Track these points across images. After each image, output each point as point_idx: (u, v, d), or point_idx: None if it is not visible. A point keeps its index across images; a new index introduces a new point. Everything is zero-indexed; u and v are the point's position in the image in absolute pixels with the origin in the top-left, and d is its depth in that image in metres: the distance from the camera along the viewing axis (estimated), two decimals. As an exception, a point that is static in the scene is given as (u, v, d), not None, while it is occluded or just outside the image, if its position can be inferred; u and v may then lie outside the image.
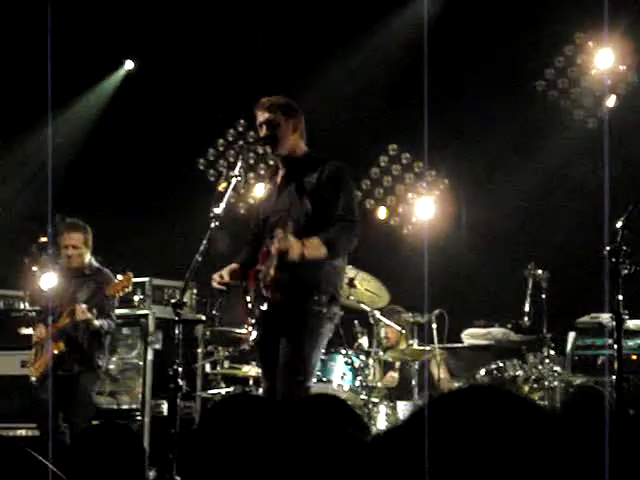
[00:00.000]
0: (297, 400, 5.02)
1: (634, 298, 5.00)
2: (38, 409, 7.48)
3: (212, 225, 5.44)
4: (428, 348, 8.02)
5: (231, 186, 5.54)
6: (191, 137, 11.10)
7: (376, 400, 7.66)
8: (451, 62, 9.73)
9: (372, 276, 7.84)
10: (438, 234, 10.14)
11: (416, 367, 8.02)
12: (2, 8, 10.08)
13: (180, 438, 5.38)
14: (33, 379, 7.65)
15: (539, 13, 9.84)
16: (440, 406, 1.40)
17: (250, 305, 5.50)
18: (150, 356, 8.67)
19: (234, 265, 5.66)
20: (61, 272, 7.88)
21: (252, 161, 11.08)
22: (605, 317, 7.68)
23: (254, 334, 5.50)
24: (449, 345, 8.48)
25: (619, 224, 4.66)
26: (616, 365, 4.66)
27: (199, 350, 8.64)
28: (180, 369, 5.41)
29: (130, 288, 7.61)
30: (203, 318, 8.63)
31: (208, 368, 8.70)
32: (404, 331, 8.27)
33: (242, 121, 11.39)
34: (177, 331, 5.47)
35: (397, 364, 8.71)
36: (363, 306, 7.81)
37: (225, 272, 5.57)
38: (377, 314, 7.90)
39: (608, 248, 4.64)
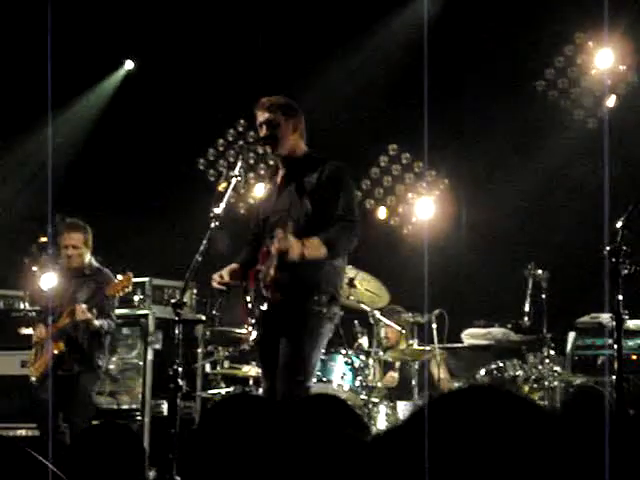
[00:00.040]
0: (297, 400, 5.03)
1: (634, 298, 5.00)
2: (38, 409, 7.48)
3: (212, 225, 5.44)
4: (428, 348, 8.02)
5: (231, 186, 5.54)
6: (191, 137, 11.10)
7: (376, 400, 7.66)
8: (451, 62, 9.73)
9: (372, 276, 7.85)
10: (438, 234, 10.14)
11: (416, 367, 8.02)
12: (2, 8, 10.08)
13: (180, 438, 5.38)
14: (33, 379, 7.65)
15: (539, 13, 9.84)
16: (440, 406, 1.40)
17: (250, 305, 5.50)
18: (150, 356, 8.67)
19: (234, 265, 5.66)
20: (61, 272, 7.88)
21: (252, 161, 11.08)
22: (605, 317, 7.68)
23: (254, 334, 5.50)
24: (449, 345, 8.48)
25: (619, 224, 4.66)
26: (616, 365, 4.66)
27: (199, 350, 8.64)
28: (180, 369, 5.41)
29: (130, 288, 7.60)
30: (203, 318, 8.63)
31: (208, 368, 8.70)
32: (404, 331, 8.27)
33: (242, 121, 11.39)
34: (177, 331, 5.47)
35: (397, 364, 8.71)
36: (363, 306, 7.81)
37: (225, 272, 5.57)
38: (377, 314, 7.90)
39: (608, 248, 4.64)
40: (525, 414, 1.36)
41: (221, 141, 11.58)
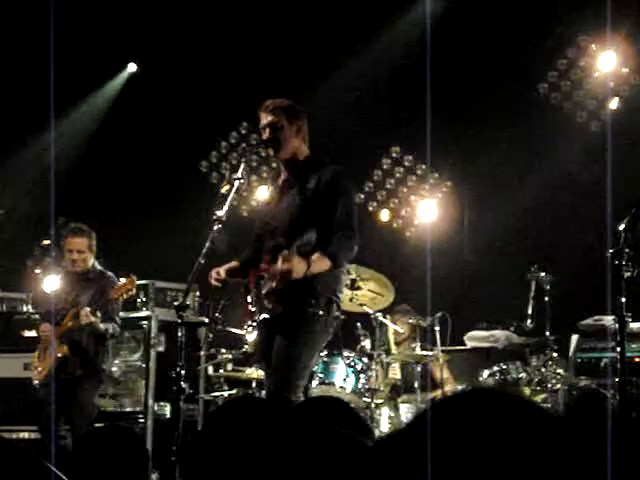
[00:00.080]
0: (287, 398, 5.05)
1: (637, 300, 5.00)
2: (40, 412, 7.48)
3: (215, 227, 5.44)
4: (431, 353, 8.01)
5: (234, 189, 5.53)
6: (194, 140, 11.11)
7: (380, 401, 7.67)
8: (454, 65, 9.73)
9: (376, 273, 7.83)
10: (441, 237, 10.15)
11: (418, 369, 8.02)
12: (5, 12, 10.09)
13: (183, 441, 5.38)
14: (36, 382, 7.65)
15: (542, 16, 9.84)
16: (443, 409, 1.39)
17: (251, 307, 5.51)
18: (153, 359, 8.67)
19: (234, 263, 5.68)
20: (64, 275, 7.88)
21: (255, 164, 11.08)
22: (608, 320, 7.67)
23: (254, 334, 5.51)
24: (452, 348, 8.48)
25: (622, 227, 4.66)
26: (619, 367, 4.66)
27: (202, 353, 8.63)
28: (183, 372, 5.41)
29: (134, 291, 7.60)
30: (206, 320, 8.62)
31: (211, 371, 8.70)
32: (402, 331, 8.29)
33: (245, 124, 11.40)
34: (180, 333, 5.47)
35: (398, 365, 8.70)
36: (366, 309, 7.82)
37: (222, 269, 5.58)
38: (379, 316, 7.89)
39: (611, 250, 4.64)
40: (528, 417, 1.36)
41: (224, 144, 11.59)
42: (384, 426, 7.75)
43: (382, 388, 7.90)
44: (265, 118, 5.56)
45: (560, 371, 7.62)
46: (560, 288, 7.86)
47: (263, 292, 5.41)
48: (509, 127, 10.00)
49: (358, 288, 7.71)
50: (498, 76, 9.95)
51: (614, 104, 9.52)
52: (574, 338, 8.17)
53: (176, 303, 5.68)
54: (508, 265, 9.26)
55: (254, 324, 5.47)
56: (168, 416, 8.63)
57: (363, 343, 8.06)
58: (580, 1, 9.57)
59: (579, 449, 1.37)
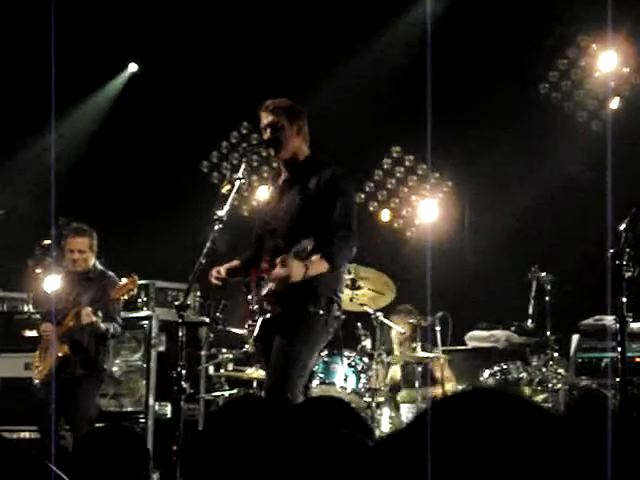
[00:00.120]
0: (285, 398, 5.05)
1: (638, 300, 5.00)
2: (41, 412, 7.48)
3: (215, 227, 5.44)
4: (432, 355, 8.01)
5: (235, 188, 5.54)
6: (195, 140, 11.11)
7: (381, 399, 7.67)
8: (454, 65, 9.73)
9: (376, 272, 7.83)
10: (441, 236, 10.15)
11: (419, 369, 8.02)
12: (6, 12, 10.09)
13: (184, 441, 5.38)
14: (36, 381, 7.65)
15: (542, 16, 9.84)
16: (444, 409, 1.40)
17: (251, 306, 5.52)
18: (153, 358, 8.67)
19: (235, 262, 5.69)
20: (65, 275, 7.88)
21: (255, 163, 11.08)
22: (609, 319, 7.67)
23: (256, 331, 5.52)
24: (452, 348, 8.48)
25: (622, 227, 4.66)
26: (620, 367, 4.66)
27: (203, 352, 8.63)
28: (184, 371, 5.41)
29: (135, 291, 7.60)
30: (207, 320, 8.63)
31: (212, 370, 8.70)
32: (403, 331, 8.30)
33: (245, 124, 11.40)
34: (180, 333, 5.48)
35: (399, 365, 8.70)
36: (366, 308, 7.81)
37: (223, 268, 5.58)
38: (380, 316, 7.89)
39: (611, 251, 4.64)
40: (529, 417, 1.36)
41: (225, 144, 11.59)
42: (385, 426, 7.76)
43: (383, 388, 7.91)
44: (266, 118, 5.56)
45: (561, 371, 7.62)
46: (561, 288, 7.86)
47: (262, 293, 5.42)
48: (509, 127, 10.00)
49: (358, 288, 7.71)
50: (499, 76, 9.95)
51: (615, 104, 9.52)
52: (575, 338, 8.17)
53: (177, 303, 5.69)
54: (509, 265, 9.26)
55: (254, 324, 5.47)
56: (169, 416, 8.62)
57: (364, 343, 8.06)
58: (580, 1, 9.57)
59: (579, 449, 1.37)
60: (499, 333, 8.48)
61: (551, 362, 7.58)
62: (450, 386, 8.29)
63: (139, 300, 8.81)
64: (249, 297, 5.53)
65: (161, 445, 7.66)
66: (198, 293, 8.90)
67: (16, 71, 10.46)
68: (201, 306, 8.99)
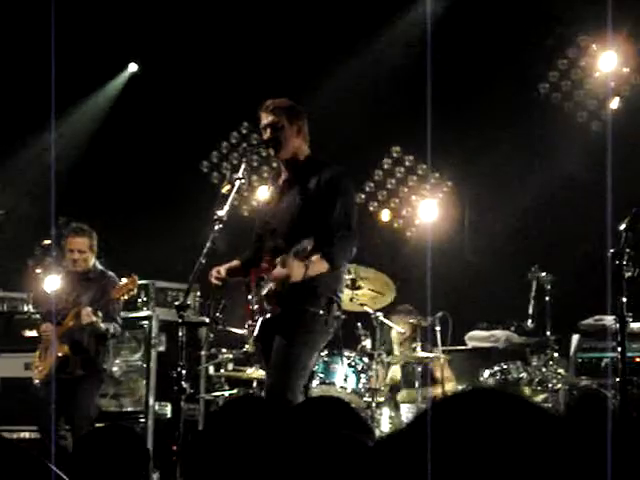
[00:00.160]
0: (285, 398, 5.05)
1: (638, 300, 5.00)
2: (41, 412, 7.48)
3: (215, 227, 5.44)
4: (432, 355, 8.01)
5: (235, 188, 5.54)
6: (195, 140, 11.11)
7: (381, 399, 7.67)
8: (454, 65, 9.73)
9: (376, 272, 7.83)
10: (441, 236, 10.14)
11: (419, 369, 8.02)
12: (6, 12, 10.09)
13: (184, 441, 5.38)
14: (36, 381, 7.65)
15: (542, 16, 9.83)
16: (443, 409, 1.40)
17: (251, 306, 5.52)
18: (153, 358, 8.67)
19: (235, 262, 5.69)
20: (65, 275, 7.88)
21: (256, 164, 11.08)
22: (609, 319, 7.67)
23: (256, 331, 5.52)
24: (452, 348, 8.47)
25: (622, 226, 4.66)
26: (620, 367, 4.66)
27: (202, 352, 8.63)
28: (184, 371, 5.41)
29: (135, 291, 7.60)
30: (207, 320, 8.63)
31: (212, 370, 8.69)
32: (403, 331, 8.30)
33: (246, 124, 11.40)
34: (180, 333, 5.48)
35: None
36: (366, 308, 7.81)
37: (223, 268, 5.59)
38: (380, 316, 7.89)
39: (612, 250, 4.65)
40: (529, 417, 1.36)
41: (225, 144, 11.59)
42: (385, 426, 7.75)
43: (383, 388, 7.91)
44: (266, 118, 5.56)
45: (561, 371, 7.62)
46: (561, 288, 7.85)
47: (262, 293, 5.42)
48: (509, 127, 10.00)
49: (358, 288, 7.70)
50: (499, 76, 9.95)
51: (615, 104, 9.52)
52: (575, 338, 8.18)
53: (177, 303, 5.69)
54: (509, 265, 9.26)
55: (254, 324, 5.47)
56: (169, 416, 8.63)
57: (364, 343, 8.06)
58: (581, 1, 9.57)
59: (579, 449, 1.37)
60: (499, 333, 8.48)
61: (551, 362, 7.58)
62: (450, 386, 8.29)
63: (139, 300, 8.81)
64: (249, 297, 5.54)
65: (161, 445, 7.66)
66: (198, 293, 8.90)
67: (17, 71, 10.46)
68: (201, 306, 8.99)
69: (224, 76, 10.70)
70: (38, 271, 9.08)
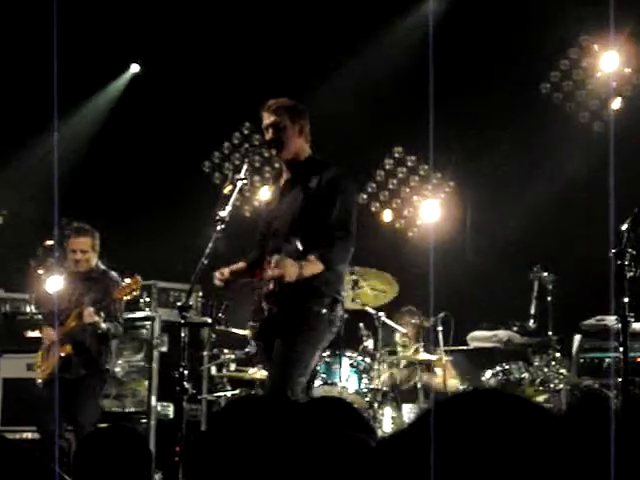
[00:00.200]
0: (285, 397, 5.05)
1: (640, 301, 5.00)
2: (43, 412, 7.48)
3: (217, 228, 5.44)
4: (434, 357, 8.01)
5: (237, 189, 5.54)
6: (197, 140, 11.12)
7: (382, 400, 7.67)
8: (456, 65, 9.72)
9: (377, 271, 7.83)
10: (443, 237, 10.14)
11: (424, 377, 8.02)
12: (7, 13, 10.09)
13: (186, 441, 5.39)
14: (39, 382, 7.65)
15: (544, 16, 9.83)
16: (446, 409, 1.40)
17: (254, 307, 5.53)
18: (156, 359, 8.68)
19: (240, 264, 5.69)
20: (67, 275, 7.88)
21: (257, 164, 11.08)
22: (611, 319, 7.67)
23: (258, 331, 5.53)
24: (454, 348, 8.48)
25: (624, 227, 4.66)
26: (622, 367, 4.66)
27: (205, 353, 8.64)
28: (186, 372, 5.42)
29: (138, 291, 7.59)
30: (209, 321, 8.62)
31: (214, 371, 8.70)
32: (405, 331, 8.30)
33: (247, 124, 11.40)
34: (183, 334, 5.48)
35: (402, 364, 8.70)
36: (368, 309, 7.82)
37: (227, 269, 5.59)
38: (382, 317, 7.89)
39: (614, 250, 4.65)
40: (531, 417, 1.37)
41: (227, 144, 11.60)
42: (387, 426, 7.76)
43: (385, 388, 7.91)
44: (268, 118, 5.56)
45: (563, 371, 7.62)
46: (563, 288, 7.86)
47: (262, 293, 5.42)
48: (511, 127, 10.00)
49: (360, 287, 7.71)
50: (500, 76, 9.95)
51: (617, 104, 9.52)
52: (577, 338, 8.18)
53: (179, 303, 5.69)
54: (511, 265, 9.25)
55: (256, 324, 5.48)
56: (171, 416, 8.64)
57: (366, 343, 8.07)
58: (582, 1, 9.57)
59: (582, 449, 1.37)
60: (501, 333, 8.47)
61: (553, 362, 7.58)
62: (452, 386, 8.29)
63: (141, 301, 8.82)
64: (255, 297, 5.54)
65: (163, 446, 7.67)
66: (200, 294, 8.91)
67: (17, 72, 10.46)
68: (203, 307, 9.00)
69: (226, 76, 10.70)
70: (40, 272, 9.09)
